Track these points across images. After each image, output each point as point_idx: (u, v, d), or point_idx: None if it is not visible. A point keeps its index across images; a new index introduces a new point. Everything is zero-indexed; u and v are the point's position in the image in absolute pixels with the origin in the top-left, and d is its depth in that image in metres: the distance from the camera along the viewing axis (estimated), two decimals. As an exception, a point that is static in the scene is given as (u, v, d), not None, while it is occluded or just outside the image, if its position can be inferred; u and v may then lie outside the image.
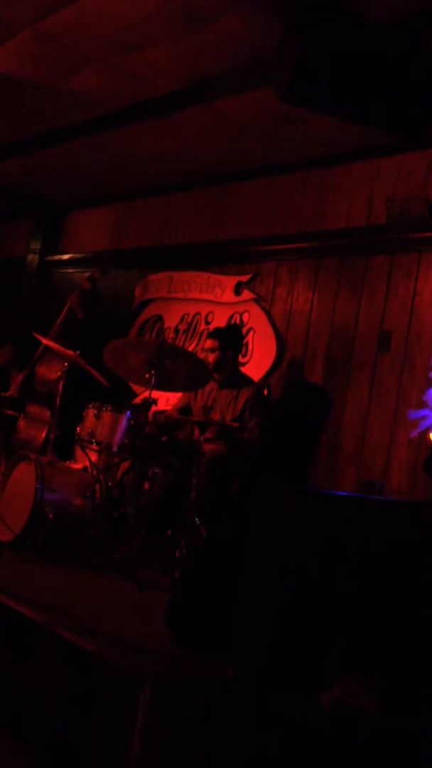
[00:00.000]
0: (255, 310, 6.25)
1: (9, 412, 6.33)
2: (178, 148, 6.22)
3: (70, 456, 5.25)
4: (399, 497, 4.96)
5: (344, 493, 4.68)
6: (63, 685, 3.05)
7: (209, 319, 6.65)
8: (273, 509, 3.03)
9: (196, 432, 4.94)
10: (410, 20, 4.00)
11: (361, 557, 3.03)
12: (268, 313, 6.14)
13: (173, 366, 4.80)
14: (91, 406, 4.83)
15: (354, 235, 5.67)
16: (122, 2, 4.27)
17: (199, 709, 2.82)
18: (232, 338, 5.53)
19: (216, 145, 6.02)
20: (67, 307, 6.57)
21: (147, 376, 4.70)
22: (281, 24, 4.02)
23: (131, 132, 5.99)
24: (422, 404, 4.61)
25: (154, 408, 5.03)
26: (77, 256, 8.19)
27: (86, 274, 6.86)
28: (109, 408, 4.78)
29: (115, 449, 4.79)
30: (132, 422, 4.79)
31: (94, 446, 4.80)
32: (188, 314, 6.86)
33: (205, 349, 5.47)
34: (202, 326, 6.65)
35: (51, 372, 6.11)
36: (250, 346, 6.18)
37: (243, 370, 5.87)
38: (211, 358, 5.34)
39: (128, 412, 4.82)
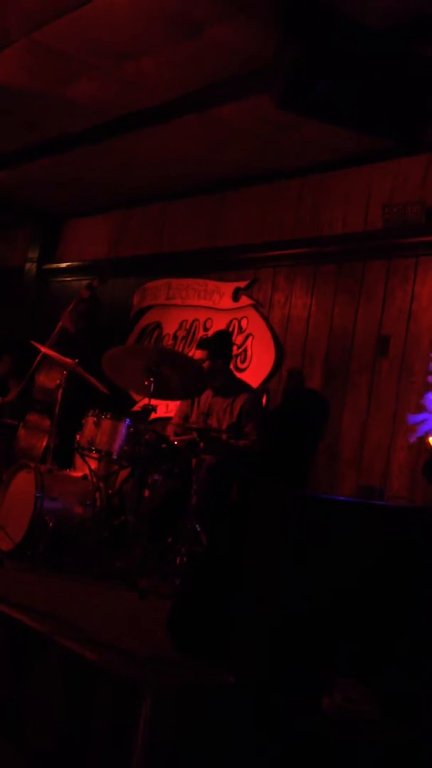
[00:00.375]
0: (253, 316, 6.26)
1: (8, 420, 6.33)
2: (175, 156, 6.23)
3: (70, 464, 5.24)
4: (399, 502, 4.96)
5: (344, 498, 4.68)
6: (64, 694, 3.05)
7: (208, 326, 6.65)
8: (273, 515, 3.02)
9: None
10: (406, 26, 4.02)
11: (362, 562, 3.03)
12: (266, 318, 6.15)
13: (172, 373, 4.80)
14: (90, 413, 4.83)
15: (351, 240, 5.68)
16: (117, 11, 4.29)
17: (200, 717, 2.82)
18: (219, 347, 5.49)
19: (213, 153, 6.03)
20: (59, 326, 6.59)
21: (146, 383, 4.70)
22: (277, 31, 4.03)
23: (128, 140, 6.00)
24: (421, 408, 4.62)
25: (153, 415, 5.03)
26: (75, 264, 8.20)
27: (84, 283, 6.88)
28: (108, 416, 4.78)
29: (114, 457, 4.79)
30: (131, 430, 4.79)
31: (93, 454, 4.80)
32: (187, 321, 6.87)
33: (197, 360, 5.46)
34: (201, 332, 6.66)
35: (50, 380, 6.11)
36: (249, 352, 6.19)
37: (242, 376, 5.88)
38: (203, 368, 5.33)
39: (127, 420, 4.82)
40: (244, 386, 5.55)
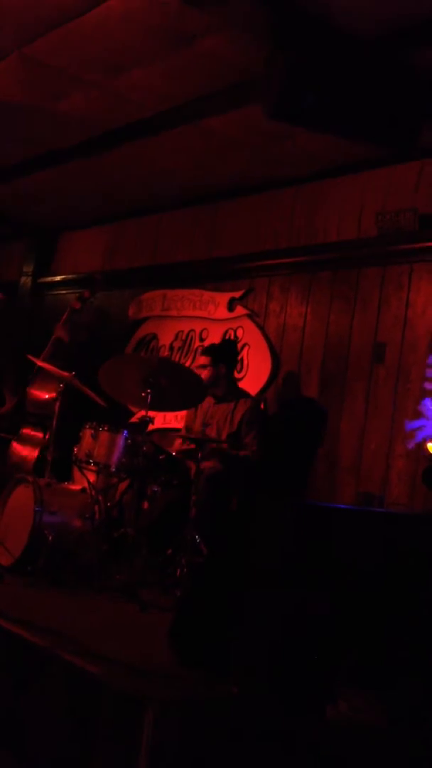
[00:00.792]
0: (249, 325, 6.26)
1: (2, 435, 6.32)
2: (168, 167, 6.24)
3: (69, 477, 5.23)
4: (399, 509, 4.95)
5: (344, 506, 4.68)
6: (67, 708, 3.03)
7: (203, 336, 6.66)
8: (272, 524, 3.02)
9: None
10: (395, 34, 4.04)
11: (363, 570, 3.03)
12: (262, 328, 6.16)
13: (169, 384, 4.80)
14: (87, 426, 4.82)
15: (345, 248, 5.69)
16: (108, 24, 4.30)
17: (204, 729, 2.80)
18: (224, 354, 5.53)
19: (206, 163, 6.05)
20: (53, 338, 6.60)
21: (143, 394, 4.70)
22: (267, 42, 4.05)
23: (121, 153, 6.02)
24: (418, 414, 4.62)
25: (151, 426, 5.03)
26: (70, 277, 8.20)
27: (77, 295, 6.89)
28: (105, 428, 4.77)
29: (113, 469, 4.78)
30: (129, 441, 4.78)
31: (92, 467, 4.79)
32: (182, 332, 6.87)
33: (199, 366, 5.49)
34: (197, 343, 6.67)
35: (44, 393, 6.11)
36: (245, 362, 6.19)
37: (239, 385, 5.87)
38: (205, 374, 5.35)
39: (125, 432, 4.81)
40: (244, 394, 5.56)
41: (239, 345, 6.23)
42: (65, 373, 5.13)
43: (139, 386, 4.75)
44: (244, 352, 6.21)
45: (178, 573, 4.51)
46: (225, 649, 2.99)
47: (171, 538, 4.73)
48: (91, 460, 4.73)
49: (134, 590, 4.26)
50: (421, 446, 4.55)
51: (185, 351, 6.78)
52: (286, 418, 5.92)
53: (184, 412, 5.88)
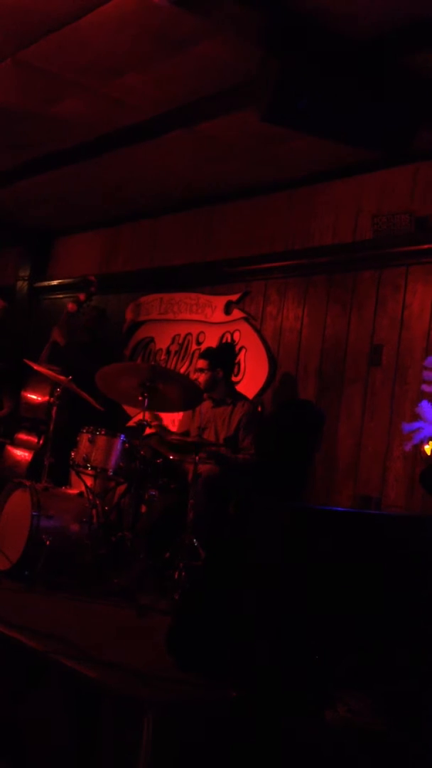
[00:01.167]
0: (246, 328, 6.27)
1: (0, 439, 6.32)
2: (164, 171, 6.25)
3: (66, 482, 5.22)
4: (396, 511, 4.95)
5: (342, 509, 4.68)
6: (66, 714, 3.03)
7: (200, 340, 6.66)
8: (270, 528, 3.02)
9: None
10: (389, 37, 4.05)
11: (361, 573, 3.02)
12: (258, 331, 6.16)
13: (165, 388, 4.80)
14: (85, 430, 4.82)
15: (341, 251, 5.70)
16: (102, 29, 4.31)
17: (203, 733, 2.80)
18: (221, 358, 5.54)
19: (201, 167, 6.05)
20: (50, 342, 6.60)
21: (140, 398, 4.70)
22: (261, 46, 4.06)
23: (116, 157, 6.02)
24: (416, 417, 4.61)
25: (148, 430, 5.03)
26: (66, 281, 8.21)
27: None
28: (103, 432, 4.77)
29: (110, 473, 4.78)
30: (127, 445, 4.78)
31: (89, 471, 4.79)
32: (179, 335, 6.87)
33: (196, 370, 5.49)
34: (194, 347, 6.67)
35: (36, 397, 6.10)
36: (242, 365, 6.20)
37: (237, 388, 5.87)
38: (202, 378, 5.36)
39: (122, 436, 4.81)
40: (242, 398, 5.56)
41: (236, 348, 6.23)
42: (62, 377, 5.13)
43: (135, 390, 4.75)
44: (242, 356, 6.22)
45: (176, 577, 4.50)
46: (223, 652, 2.99)
47: (169, 542, 4.73)
48: (88, 464, 4.73)
49: (132, 594, 4.26)
50: (418, 448, 4.54)
51: (182, 354, 6.78)
52: (283, 421, 5.92)
53: (180, 415, 5.88)
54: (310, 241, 5.94)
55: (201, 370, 5.42)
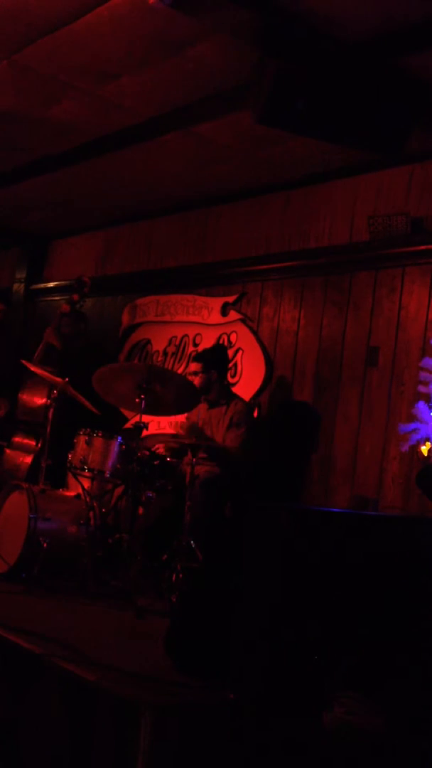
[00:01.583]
0: (242, 330, 6.27)
1: None
2: (160, 174, 6.25)
3: (63, 484, 5.22)
4: (393, 512, 4.96)
5: (339, 510, 4.68)
6: (63, 716, 3.03)
7: (197, 341, 6.66)
8: (267, 530, 3.02)
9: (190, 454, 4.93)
10: (385, 40, 4.06)
11: (359, 575, 3.03)
12: (255, 332, 6.17)
13: (162, 389, 4.80)
14: (81, 432, 4.82)
15: (337, 252, 5.71)
16: (98, 32, 4.31)
17: (201, 735, 2.80)
18: (214, 359, 5.53)
19: (197, 169, 6.06)
20: (43, 343, 6.59)
21: (137, 400, 4.70)
22: (256, 48, 4.06)
23: (112, 159, 6.02)
24: (412, 418, 4.63)
25: (145, 432, 5.02)
26: (62, 283, 8.20)
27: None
28: (100, 434, 4.77)
29: (107, 475, 4.78)
30: (124, 447, 4.78)
31: (86, 473, 4.78)
32: (176, 337, 6.88)
33: (190, 373, 5.49)
34: (191, 348, 6.67)
35: (34, 400, 6.09)
36: (239, 367, 6.20)
37: (233, 390, 5.88)
38: (197, 380, 5.35)
39: (119, 438, 4.81)
40: (236, 399, 5.56)
41: (233, 350, 6.23)
42: (58, 379, 5.13)
43: (132, 392, 4.75)
44: (238, 357, 6.22)
45: (173, 579, 4.50)
46: (221, 654, 2.99)
47: (166, 544, 4.73)
48: (85, 467, 4.73)
49: (130, 596, 4.25)
50: (415, 449, 4.55)
51: (179, 356, 6.78)
52: (279, 423, 5.93)
53: (178, 418, 5.89)
54: (307, 243, 5.94)
55: (195, 373, 5.41)
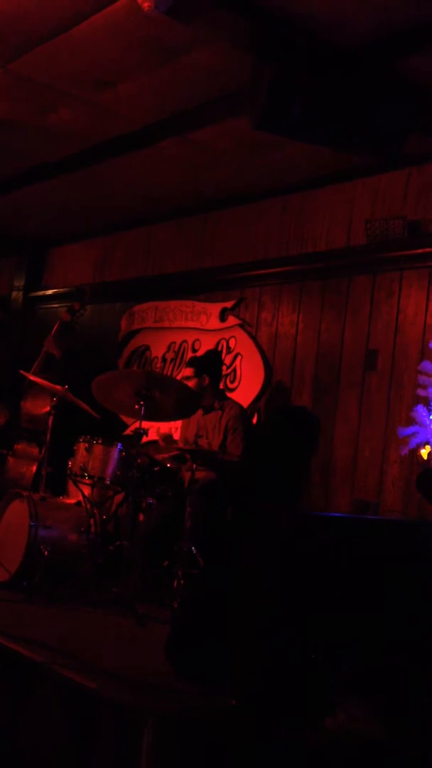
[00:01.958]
0: (241, 335, 6.27)
1: None
2: (157, 180, 6.26)
3: (63, 491, 5.22)
4: (394, 516, 4.95)
5: (339, 515, 4.67)
6: (65, 724, 3.02)
7: (196, 347, 6.66)
8: (268, 534, 3.02)
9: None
10: (381, 44, 4.07)
11: (359, 579, 3.02)
12: (254, 337, 6.17)
13: (162, 396, 4.80)
14: (81, 439, 4.82)
15: (335, 256, 5.71)
16: (94, 39, 4.32)
17: (203, 741, 2.79)
18: (206, 365, 5.52)
19: (194, 175, 6.07)
20: (43, 352, 6.58)
21: (136, 407, 4.70)
22: (252, 53, 4.07)
23: (109, 166, 6.03)
24: (411, 421, 4.62)
25: (145, 438, 5.02)
26: (61, 290, 8.21)
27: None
28: (99, 441, 4.76)
29: (108, 482, 4.77)
30: (123, 454, 4.77)
31: (86, 480, 4.78)
32: (175, 343, 6.88)
33: (183, 378, 5.48)
34: (190, 354, 6.66)
35: (36, 408, 6.09)
36: (238, 372, 6.20)
37: (232, 395, 5.88)
38: (190, 386, 5.34)
39: (119, 445, 4.80)
40: (230, 403, 5.54)
41: (232, 355, 6.24)
42: (58, 387, 5.13)
43: (132, 399, 4.75)
44: (237, 362, 6.22)
45: (174, 585, 4.50)
46: (223, 661, 2.99)
47: (167, 550, 4.73)
48: (85, 474, 4.73)
49: (131, 603, 4.24)
50: (415, 452, 4.55)
51: (178, 362, 6.78)
52: (279, 427, 5.93)
53: (178, 423, 5.88)
54: (304, 247, 5.95)
55: (188, 378, 5.41)
